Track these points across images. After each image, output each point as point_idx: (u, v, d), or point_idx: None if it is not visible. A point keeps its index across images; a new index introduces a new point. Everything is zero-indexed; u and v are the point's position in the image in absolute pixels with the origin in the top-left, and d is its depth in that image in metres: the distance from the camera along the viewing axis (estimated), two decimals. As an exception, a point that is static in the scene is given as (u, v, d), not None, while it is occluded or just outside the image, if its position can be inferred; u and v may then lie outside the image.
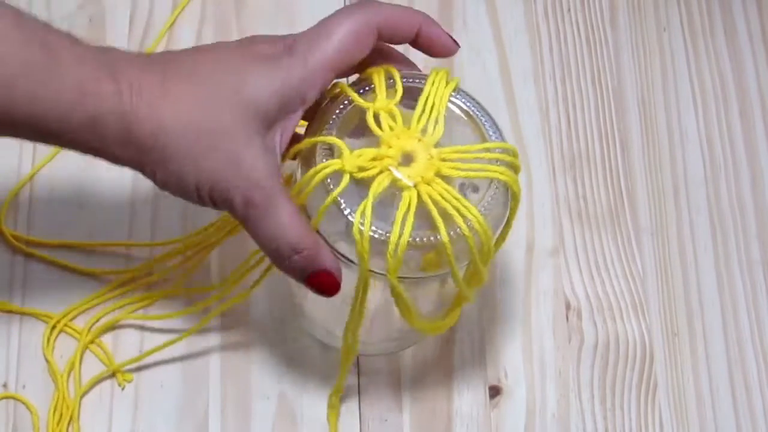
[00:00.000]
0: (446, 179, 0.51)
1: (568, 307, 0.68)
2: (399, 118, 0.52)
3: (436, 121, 0.52)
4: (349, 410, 0.64)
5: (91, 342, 0.63)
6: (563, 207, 0.70)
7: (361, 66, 0.54)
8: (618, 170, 0.72)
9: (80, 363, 0.63)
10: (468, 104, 0.54)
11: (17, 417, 0.62)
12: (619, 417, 0.65)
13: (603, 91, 0.74)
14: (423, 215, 0.51)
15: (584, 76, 0.74)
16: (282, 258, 0.51)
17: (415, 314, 0.54)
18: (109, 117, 0.48)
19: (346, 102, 0.53)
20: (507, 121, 0.72)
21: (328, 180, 0.51)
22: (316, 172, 0.51)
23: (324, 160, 0.51)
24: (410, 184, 0.50)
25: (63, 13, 0.72)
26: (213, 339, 0.65)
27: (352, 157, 0.51)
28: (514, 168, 0.53)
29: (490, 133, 0.54)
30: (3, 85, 0.47)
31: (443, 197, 0.50)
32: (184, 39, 0.72)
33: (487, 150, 0.52)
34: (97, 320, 0.64)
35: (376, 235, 0.50)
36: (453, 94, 0.54)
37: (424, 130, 0.52)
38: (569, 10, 0.76)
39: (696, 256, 0.70)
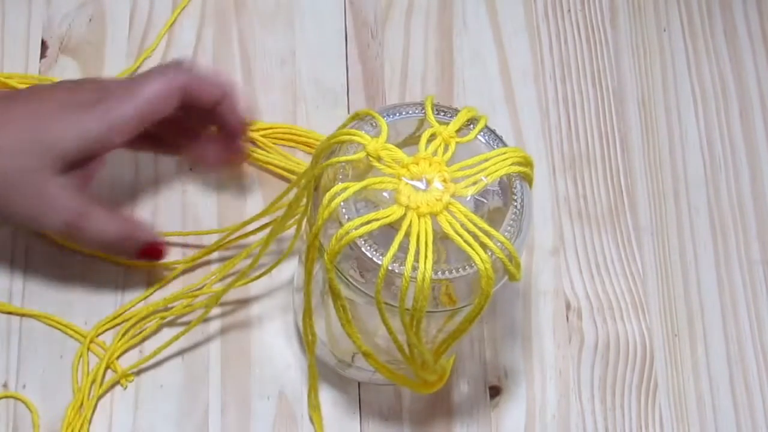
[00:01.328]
0: (462, 199, 0.51)
1: (568, 307, 0.68)
2: (399, 152, 0.51)
3: (446, 147, 0.52)
4: (349, 410, 0.64)
5: (116, 359, 0.63)
6: (563, 207, 0.70)
7: (189, 120, 0.63)
8: (618, 170, 0.72)
9: (103, 377, 0.63)
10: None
11: (17, 417, 0.62)
12: (619, 417, 0.65)
13: (603, 91, 0.74)
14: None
15: (584, 76, 0.74)
16: (115, 248, 0.62)
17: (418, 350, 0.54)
18: None
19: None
20: (507, 121, 0.72)
21: (343, 211, 0.51)
22: (336, 162, 0.52)
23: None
24: (427, 212, 0.50)
25: (63, 12, 0.72)
26: (213, 339, 0.65)
27: (374, 142, 0.51)
28: (526, 161, 0.53)
29: (491, 143, 0.53)
30: None
31: (464, 226, 0.50)
32: (184, 39, 0.72)
33: (499, 155, 0.52)
34: (122, 335, 0.64)
35: (396, 270, 0.50)
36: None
37: (434, 154, 0.52)
38: (569, 10, 0.76)
39: (696, 256, 0.70)
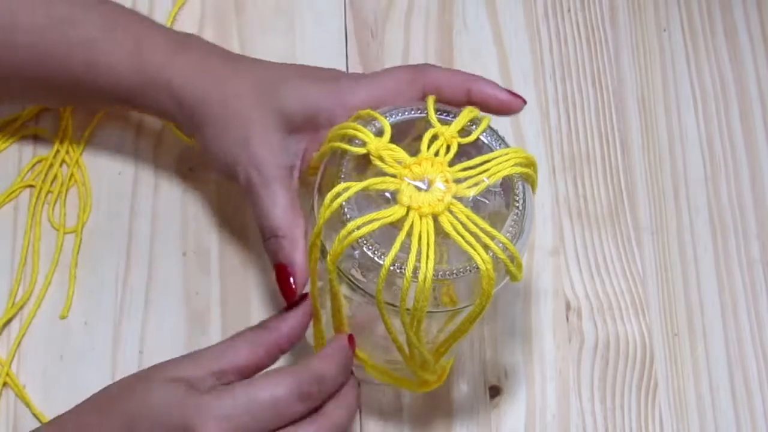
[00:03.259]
0: (463, 199, 0.51)
1: (568, 307, 0.68)
2: (401, 152, 0.51)
3: (448, 148, 0.52)
4: (350, 410, 0.64)
5: None
6: (563, 207, 0.70)
7: None
8: (618, 170, 0.72)
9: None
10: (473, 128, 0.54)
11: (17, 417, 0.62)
12: (619, 417, 0.65)
13: (603, 91, 0.74)
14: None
15: (584, 76, 0.74)
16: (264, 237, 0.56)
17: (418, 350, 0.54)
18: (160, 83, 0.59)
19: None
20: (507, 121, 0.72)
21: (345, 211, 0.51)
22: (340, 153, 0.52)
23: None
24: (428, 212, 0.50)
25: (63, 12, 0.72)
26: (213, 339, 0.65)
27: (377, 141, 0.51)
28: (528, 162, 0.53)
29: (494, 144, 0.53)
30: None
31: (466, 227, 0.50)
32: (184, 39, 0.72)
33: (501, 156, 0.52)
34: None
35: (397, 270, 0.50)
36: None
37: (435, 154, 0.52)
38: (569, 10, 0.76)
39: (696, 256, 0.70)
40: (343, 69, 0.72)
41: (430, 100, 0.53)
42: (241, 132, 0.57)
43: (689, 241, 0.70)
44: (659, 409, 0.65)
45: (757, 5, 0.77)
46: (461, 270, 0.50)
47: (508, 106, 0.57)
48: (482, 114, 0.54)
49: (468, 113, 0.53)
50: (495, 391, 0.65)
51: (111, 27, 0.60)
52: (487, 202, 0.52)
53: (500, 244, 0.50)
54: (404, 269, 0.49)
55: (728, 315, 0.68)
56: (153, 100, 0.60)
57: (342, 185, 0.50)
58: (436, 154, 0.51)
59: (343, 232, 0.49)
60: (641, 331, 0.67)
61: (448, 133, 0.52)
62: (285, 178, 0.56)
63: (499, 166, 0.51)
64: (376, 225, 0.49)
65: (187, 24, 0.72)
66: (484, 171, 0.51)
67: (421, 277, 0.49)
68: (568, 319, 0.67)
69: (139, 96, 0.60)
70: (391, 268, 0.49)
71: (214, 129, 0.58)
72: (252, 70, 0.60)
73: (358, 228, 0.49)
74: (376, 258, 0.50)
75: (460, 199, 0.50)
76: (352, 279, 0.52)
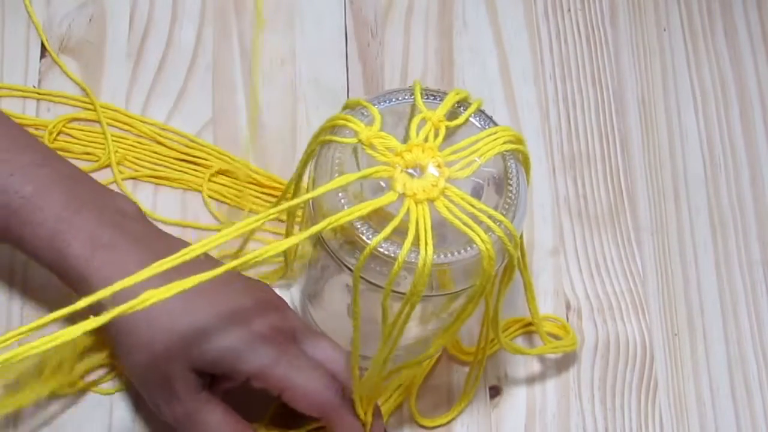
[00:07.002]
0: (459, 183, 0.50)
1: (568, 307, 0.68)
2: (392, 140, 0.51)
3: (437, 132, 0.52)
4: (350, 410, 0.64)
5: None
6: (563, 207, 0.70)
7: None
8: (618, 170, 0.72)
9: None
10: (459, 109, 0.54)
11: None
12: (619, 417, 0.65)
13: (603, 91, 0.74)
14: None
15: (584, 76, 0.74)
16: None
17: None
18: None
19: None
20: (507, 120, 0.72)
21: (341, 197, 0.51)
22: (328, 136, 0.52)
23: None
24: (423, 197, 0.50)
25: (63, 13, 0.72)
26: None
27: (367, 130, 0.51)
28: (516, 139, 0.53)
29: (483, 124, 0.53)
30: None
31: (462, 209, 0.49)
32: (184, 39, 0.72)
33: (490, 135, 0.52)
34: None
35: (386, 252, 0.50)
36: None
37: (425, 140, 0.52)
38: (569, 10, 0.76)
39: (696, 256, 0.70)
40: (343, 69, 0.72)
41: (417, 85, 0.53)
42: (160, 374, 0.55)
43: (689, 241, 0.70)
44: (659, 409, 0.65)
45: (757, 5, 0.77)
46: (460, 253, 0.50)
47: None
48: (472, 96, 0.54)
49: (454, 96, 0.53)
50: (495, 391, 0.65)
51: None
52: (482, 182, 0.52)
53: (499, 223, 0.50)
54: (409, 255, 0.49)
55: (728, 315, 0.68)
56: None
57: (339, 178, 0.50)
58: (426, 139, 0.51)
59: (333, 217, 0.49)
60: (641, 331, 0.67)
61: (435, 117, 0.52)
62: (211, 400, 0.56)
63: (489, 145, 0.51)
64: (363, 211, 0.49)
65: (187, 24, 0.73)
66: (475, 151, 0.51)
67: (420, 262, 0.48)
68: (568, 319, 0.67)
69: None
70: (390, 253, 0.49)
71: (132, 367, 0.57)
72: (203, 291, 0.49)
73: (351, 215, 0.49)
74: (364, 237, 0.50)
75: (455, 182, 0.50)
76: (352, 267, 0.52)
